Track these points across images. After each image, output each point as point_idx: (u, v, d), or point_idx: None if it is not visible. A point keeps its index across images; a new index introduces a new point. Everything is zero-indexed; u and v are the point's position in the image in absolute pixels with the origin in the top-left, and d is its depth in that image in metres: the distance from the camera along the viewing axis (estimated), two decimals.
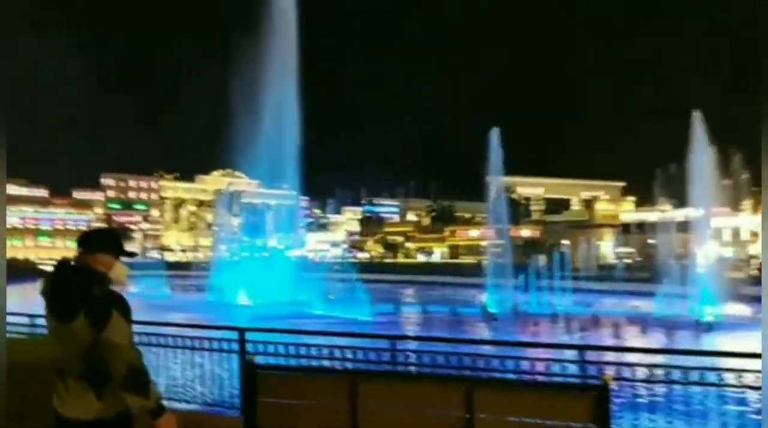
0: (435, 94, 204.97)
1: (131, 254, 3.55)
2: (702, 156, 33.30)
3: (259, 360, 6.41)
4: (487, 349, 5.97)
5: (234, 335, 6.57)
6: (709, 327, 22.12)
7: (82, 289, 3.20)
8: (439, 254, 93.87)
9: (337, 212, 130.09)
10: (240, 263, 41.59)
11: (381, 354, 5.98)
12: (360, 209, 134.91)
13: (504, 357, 5.78)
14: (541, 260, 74.41)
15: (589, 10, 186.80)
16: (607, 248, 77.92)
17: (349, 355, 6.11)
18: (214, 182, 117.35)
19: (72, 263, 3.36)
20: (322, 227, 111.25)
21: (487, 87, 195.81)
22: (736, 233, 66.69)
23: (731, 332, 22.10)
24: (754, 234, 69.17)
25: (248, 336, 6.53)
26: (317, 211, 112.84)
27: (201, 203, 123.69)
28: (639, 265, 56.18)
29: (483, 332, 22.02)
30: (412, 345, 6.23)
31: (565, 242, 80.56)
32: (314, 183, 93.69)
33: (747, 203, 72.27)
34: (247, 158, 41.90)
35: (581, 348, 5.62)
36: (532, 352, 7.15)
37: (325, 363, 6.10)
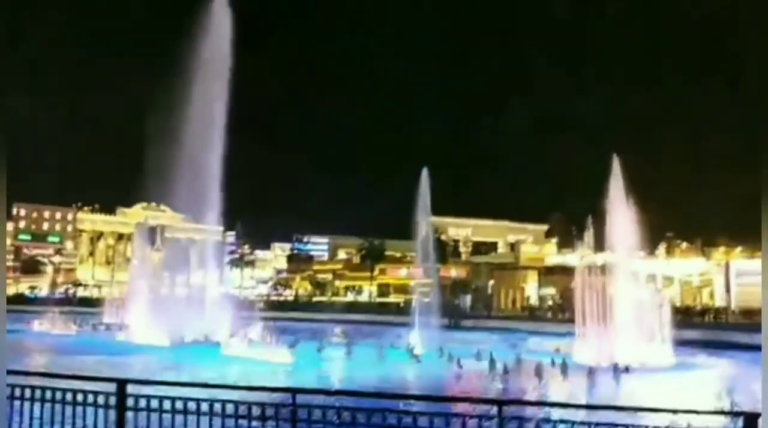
0: (368, 126, 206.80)
1: None
2: (618, 199, 34.46)
3: (141, 417, 5.62)
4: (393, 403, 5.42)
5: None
6: (627, 370, 22.42)
7: None
8: (368, 292, 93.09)
9: (265, 248, 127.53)
10: (157, 301, 39.50)
11: (280, 410, 5.32)
12: (288, 245, 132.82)
13: (420, 413, 5.23)
14: (468, 300, 75.17)
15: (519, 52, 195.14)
16: (531, 289, 79.58)
17: (244, 411, 5.41)
18: (136, 215, 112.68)
19: None
20: (249, 263, 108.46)
21: (417, 125, 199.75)
22: (651, 277, 69.59)
23: (650, 374, 22.52)
24: (668, 278, 72.47)
25: (133, 388, 5.71)
26: (244, 247, 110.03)
27: (121, 237, 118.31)
28: (560, 306, 57.44)
29: (407, 375, 21.46)
30: (318, 399, 5.59)
31: (491, 282, 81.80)
32: (241, 218, 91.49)
33: (662, 248, 75.92)
34: (169, 190, 40.44)
35: (501, 404, 5.16)
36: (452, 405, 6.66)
37: (216, 421, 5.39)
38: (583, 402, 16.04)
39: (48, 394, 6.07)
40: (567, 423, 4.92)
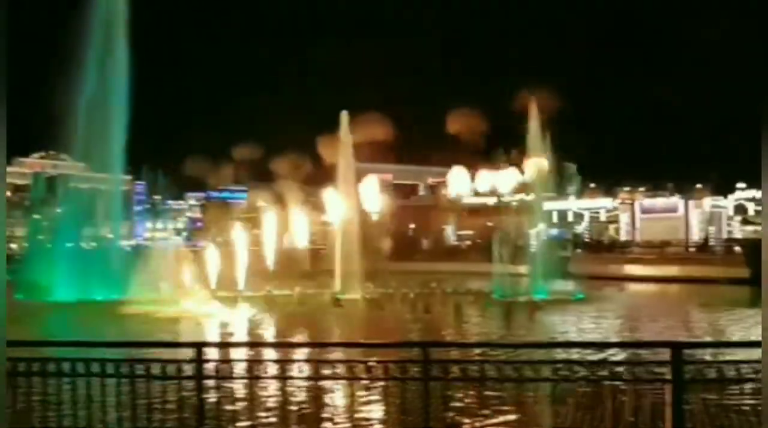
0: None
1: None
2: (533, 143, 35.16)
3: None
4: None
5: None
6: (539, 306, 23.21)
7: None
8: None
9: (178, 198, 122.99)
10: (61, 256, 37.18)
11: (182, 368, 4.73)
12: (203, 194, 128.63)
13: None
14: (388, 243, 76.01)
15: None
16: (451, 230, 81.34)
17: (142, 370, 4.77)
18: (34, 165, 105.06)
19: None
20: (162, 214, 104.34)
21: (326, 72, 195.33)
22: (563, 215, 72.82)
23: (562, 308, 23.48)
24: (578, 216, 76.15)
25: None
26: (156, 197, 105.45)
27: (18, 188, 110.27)
28: (478, 246, 59.00)
29: (332, 320, 21.36)
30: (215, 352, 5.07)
31: (412, 225, 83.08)
32: (151, 167, 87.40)
33: (572, 189, 79.50)
34: (69, 137, 37.79)
35: (424, 345, 4.77)
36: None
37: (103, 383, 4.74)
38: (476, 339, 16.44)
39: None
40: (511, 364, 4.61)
